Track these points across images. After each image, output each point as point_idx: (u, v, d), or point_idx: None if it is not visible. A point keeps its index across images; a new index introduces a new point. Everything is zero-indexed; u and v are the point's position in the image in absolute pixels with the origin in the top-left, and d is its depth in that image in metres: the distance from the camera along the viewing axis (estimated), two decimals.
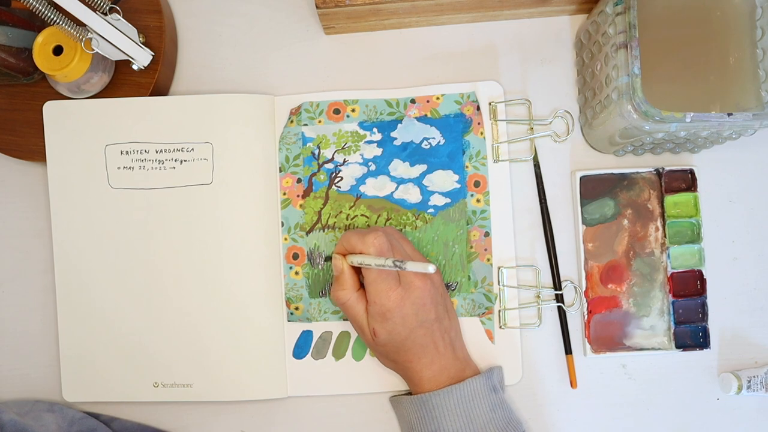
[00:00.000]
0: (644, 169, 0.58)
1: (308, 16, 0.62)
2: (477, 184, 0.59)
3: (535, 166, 0.59)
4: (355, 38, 0.61)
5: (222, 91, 0.61)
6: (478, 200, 0.59)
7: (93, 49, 0.56)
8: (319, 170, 0.60)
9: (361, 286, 0.54)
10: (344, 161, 0.60)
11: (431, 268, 0.48)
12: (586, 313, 0.58)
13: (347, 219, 0.59)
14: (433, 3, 0.56)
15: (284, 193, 0.60)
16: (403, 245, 0.54)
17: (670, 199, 0.58)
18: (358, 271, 0.54)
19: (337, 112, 0.60)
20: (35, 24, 0.59)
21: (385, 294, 0.51)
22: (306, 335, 0.59)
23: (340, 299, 0.53)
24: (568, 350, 0.58)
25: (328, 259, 0.59)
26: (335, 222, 0.59)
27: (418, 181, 0.59)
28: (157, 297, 0.58)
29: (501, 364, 0.57)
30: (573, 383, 0.58)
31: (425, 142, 0.59)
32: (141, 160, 0.58)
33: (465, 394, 0.52)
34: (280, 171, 0.60)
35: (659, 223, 0.58)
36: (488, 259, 0.58)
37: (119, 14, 0.56)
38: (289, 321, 0.59)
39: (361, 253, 0.52)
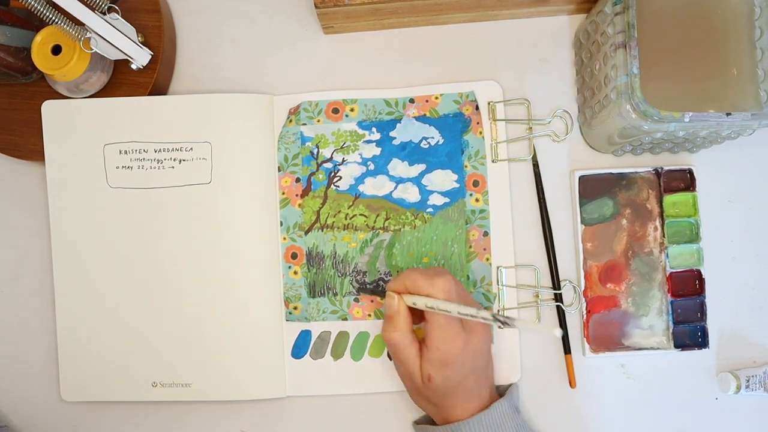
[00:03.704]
0: (643, 169, 0.58)
1: (307, 16, 0.62)
2: (476, 183, 0.59)
3: (534, 165, 0.59)
4: (354, 38, 0.61)
5: (221, 91, 0.61)
6: (477, 200, 0.59)
7: (92, 49, 0.56)
8: (317, 170, 0.60)
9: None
10: (343, 161, 0.60)
11: (558, 332, 0.45)
12: (584, 312, 0.58)
13: (346, 218, 0.59)
14: (432, 3, 0.56)
15: (283, 193, 0.60)
16: (461, 290, 0.52)
17: (668, 199, 0.58)
18: (412, 311, 0.52)
19: (335, 111, 0.60)
20: (34, 23, 0.59)
21: (452, 340, 0.49)
22: (304, 335, 0.59)
23: (392, 340, 0.51)
24: (567, 350, 0.58)
25: (373, 292, 0.57)
26: (334, 222, 0.59)
27: (417, 180, 0.59)
28: (156, 297, 0.58)
29: (500, 363, 0.57)
30: (572, 383, 0.58)
31: (424, 142, 0.59)
32: (140, 160, 0.58)
33: (493, 420, 0.51)
34: (279, 170, 0.60)
35: (658, 223, 0.58)
36: (487, 259, 0.58)
37: (118, 14, 0.56)
38: (287, 320, 0.59)
39: (427, 296, 0.50)
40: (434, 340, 0.50)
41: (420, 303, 0.50)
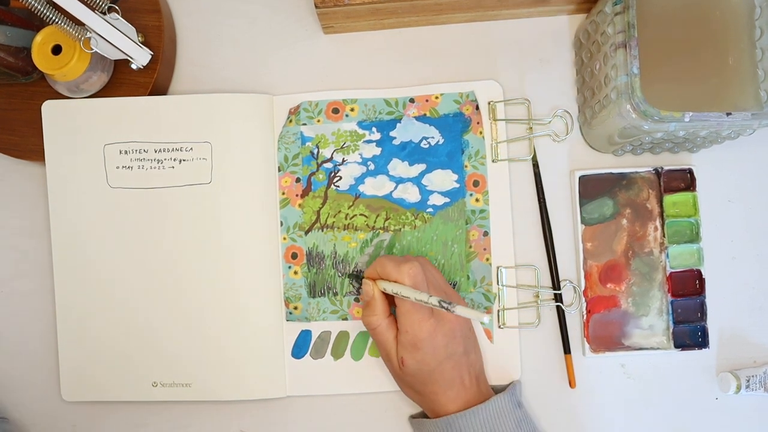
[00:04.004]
0: (643, 169, 0.58)
1: (307, 16, 0.62)
2: (476, 183, 0.59)
3: (534, 165, 0.59)
4: (354, 38, 0.61)
5: (221, 91, 0.61)
6: (477, 200, 0.59)
7: (92, 49, 0.56)
8: (317, 170, 0.60)
9: (391, 312, 0.53)
10: (343, 161, 0.60)
11: (486, 318, 0.46)
12: (585, 312, 0.58)
13: (346, 218, 0.59)
14: (432, 2, 0.56)
15: (283, 193, 0.60)
16: (435, 276, 0.53)
17: (669, 199, 0.58)
18: (389, 297, 0.53)
19: (336, 111, 0.60)
20: (34, 23, 0.59)
21: (418, 324, 0.50)
22: (305, 335, 0.59)
23: (371, 324, 0.53)
24: (566, 350, 0.58)
25: (352, 277, 0.59)
26: (334, 222, 0.59)
27: (417, 180, 0.59)
28: (156, 296, 0.58)
29: (500, 363, 0.58)
30: (572, 383, 0.58)
31: (424, 142, 0.59)
32: (140, 160, 0.58)
33: (491, 414, 0.51)
34: (279, 170, 0.60)
35: (658, 223, 0.58)
36: (487, 259, 0.58)
37: (118, 13, 0.56)
38: (287, 320, 0.59)
39: (396, 282, 0.51)
40: (403, 324, 0.51)
41: (389, 289, 0.52)
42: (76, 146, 0.59)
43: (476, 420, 0.51)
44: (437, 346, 0.51)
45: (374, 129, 0.60)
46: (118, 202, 0.58)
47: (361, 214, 0.59)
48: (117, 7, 0.56)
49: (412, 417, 0.57)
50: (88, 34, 0.55)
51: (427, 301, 0.49)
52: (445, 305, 0.48)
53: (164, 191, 0.58)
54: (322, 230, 0.59)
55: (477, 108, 0.59)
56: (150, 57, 0.58)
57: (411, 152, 0.60)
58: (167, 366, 0.58)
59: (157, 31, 0.59)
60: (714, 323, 0.58)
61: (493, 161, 0.59)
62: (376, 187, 0.59)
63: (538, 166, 0.59)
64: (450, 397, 0.52)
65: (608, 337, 0.58)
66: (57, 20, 0.54)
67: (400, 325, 0.52)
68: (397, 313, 0.52)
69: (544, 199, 0.59)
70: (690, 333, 0.58)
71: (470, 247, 0.59)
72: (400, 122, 0.60)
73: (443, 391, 0.52)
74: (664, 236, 0.58)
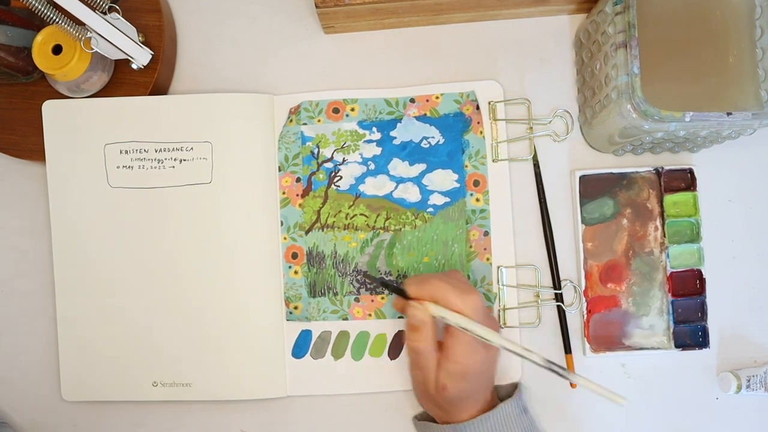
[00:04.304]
0: (643, 169, 0.58)
1: (308, 16, 0.62)
2: (476, 183, 0.59)
3: (534, 165, 0.59)
4: (354, 37, 0.61)
5: (221, 91, 0.61)
6: (477, 199, 0.59)
7: (92, 48, 0.56)
8: (318, 169, 0.60)
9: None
10: (343, 160, 0.60)
11: (622, 401, 0.47)
12: (585, 312, 0.58)
13: (346, 218, 0.59)
14: (432, 2, 0.56)
15: (283, 193, 0.60)
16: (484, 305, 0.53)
17: (669, 199, 0.58)
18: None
19: (336, 111, 0.60)
20: (34, 23, 0.59)
21: (472, 357, 0.50)
22: (305, 335, 0.59)
23: (418, 350, 0.51)
24: (567, 350, 0.58)
25: (384, 285, 0.56)
26: (334, 221, 0.59)
27: (417, 180, 0.59)
28: (157, 296, 0.58)
29: (500, 363, 0.57)
30: (572, 383, 0.58)
31: (424, 142, 0.59)
32: (140, 160, 0.58)
33: (498, 421, 0.51)
34: (280, 170, 0.60)
35: (658, 223, 0.58)
36: (488, 259, 0.58)
37: (118, 13, 0.56)
38: (288, 320, 0.59)
39: (458, 311, 0.49)
40: (456, 354, 0.50)
41: (452, 320, 0.49)
42: (76, 146, 0.59)
43: (484, 428, 0.51)
44: (481, 374, 0.51)
45: (375, 129, 0.60)
46: (118, 202, 0.58)
47: (361, 214, 0.59)
48: (117, 7, 0.56)
49: (417, 418, 0.57)
50: (89, 34, 0.55)
51: (526, 357, 0.49)
52: (556, 370, 0.48)
53: (164, 191, 0.58)
54: (323, 230, 0.59)
55: (477, 108, 0.59)
56: (150, 57, 0.58)
57: (411, 152, 0.60)
58: (167, 366, 0.58)
59: (157, 31, 0.59)
60: (714, 323, 0.58)
61: (493, 161, 0.59)
62: (376, 186, 0.59)
63: (538, 166, 0.59)
64: (471, 413, 0.52)
65: (609, 337, 0.58)
66: (57, 20, 0.54)
67: (450, 354, 0.50)
68: (449, 342, 0.50)
69: (544, 199, 0.59)
70: (690, 333, 0.58)
71: (471, 246, 0.59)
72: (400, 122, 0.60)
73: (467, 409, 0.52)
74: (664, 236, 0.58)
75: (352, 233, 0.59)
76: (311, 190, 0.60)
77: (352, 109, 0.60)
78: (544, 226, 0.59)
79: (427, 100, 0.60)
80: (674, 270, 0.58)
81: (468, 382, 0.50)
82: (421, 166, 0.59)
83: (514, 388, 0.57)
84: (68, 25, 0.54)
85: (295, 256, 0.59)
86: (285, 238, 0.59)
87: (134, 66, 0.58)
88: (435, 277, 0.52)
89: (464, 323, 0.49)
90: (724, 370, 0.58)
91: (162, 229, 0.58)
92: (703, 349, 0.58)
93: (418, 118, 0.60)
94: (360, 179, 0.60)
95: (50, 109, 0.59)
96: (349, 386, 0.58)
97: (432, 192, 0.59)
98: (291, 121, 0.60)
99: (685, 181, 0.58)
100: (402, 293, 0.52)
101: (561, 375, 0.48)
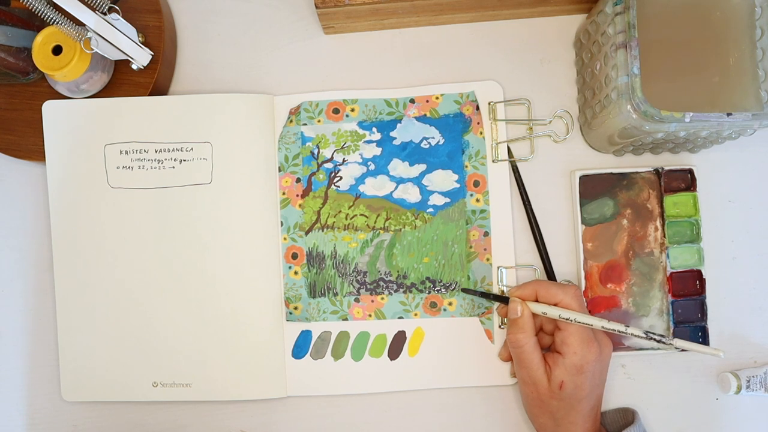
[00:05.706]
0: (643, 169, 0.58)
1: (308, 16, 0.62)
2: (476, 183, 0.59)
3: (513, 168, 0.59)
4: (354, 38, 0.61)
5: (221, 91, 0.61)
6: (477, 200, 0.59)
7: (92, 49, 0.56)
8: (318, 170, 0.60)
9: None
10: (343, 161, 0.60)
11: (722, 354, 0.48)
12: None
13: (346, 219, 0.59)
14: (433, 3, 0.56)
15: (283, 193, 0.60)
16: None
17: (669, 199, 0.58)
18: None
19: (336, 111, 0.60)
20: (34, 23, 0.59)
21: (587, 346, 0.51)
22: (305, 335, 0.59)
23: (518, 342, 0.52)
24: None
25: (483, 295, 0.57)
26: (334, 222, 0.59)
27: (417, 180, 0.59)
28: (156, 296, 0.58)
29: (500, 363, 0.58)
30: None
31: (424, 142, 0.59)
32: (140, 160, 0.58)
33: None
34: (280, 170, 0.60)
35: (658, 223, 0.58)
36: (487, 259, 0.58)
37: (118, 14, 0.56)
38: (288, 321, 0.59)
39: (559, 303, 0.52)
40: (572, 345, 0.51)
41: (552, 313, 0.52)
42: (76, 146, 0.59)
43: None
44: (596, 372, 0.51)
45: (375, 129, 0.60)
46: (118, 202, 0.58)
47: (361, 215, 0.59)
48: (117, 8, 0.56)
49: None
50: (89, 35, 0.55)
51: (625, 332, 0.50)
52: (656, 337, 0.49)
53: (164, 191, 0.58)
54: (323, 230, 0.59)
55: (477, 108, 0.59)
56: (150, 57, 0.58)
57: (411, 152, 0.60)
58: (167, 366, 0.58)
59: (157, 32, 0.59)
60: (714, 323, 0.58)
61: (493, 161, 0.59)
62: (376, 187, 0.59)
63: (518, 170, 0.59)
64: (576, 419, 0.52)
65: (609, 337, 0.58)
66: (57, 20, 0.54)
67: (566, 347, 0.51)
68: (561, 337, 0.52)
69: (528, 201, 0.59)
70: (690, 333, 0.58)
71: (470, 247, 0.59)
72: (400, 122, 0.60)
73: (582, 423, 0.52)
74: (664, 236, 0.58)
75: (352, 233, 0.59)
76: (311, 190, 0.60)
77: (352, 110, 0.60)
78: (532, 227, 0.59)
79: (427, 101, 0.60)
80: (674, 270, 0.58)
81: (585, 378, 0.51)
82: (421, 167, 0.59)
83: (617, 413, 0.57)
84: (68, 26, 0.54)
85: (295, 256, 0.59)
86: (285, 239, 0.60)
87: (134, 66, 0.58)
88: (536, 280, 0.55)
89: (566, 314, 0.51)
90: (724, 371, 0.58)
91: (162, 230, 0.58)
92: None
93: (418, 119, 0.60)
94: (360, 180, 0.60)
95: (50, 109, 0.59)
96: (349, 386, 0.59)
97: (432, 192, 0.59)
98: (291, 121, 0.60)
99: (685, 181, 0.58)
100: (503, 300, 0.55)
101: (662, 342, 0.50)
